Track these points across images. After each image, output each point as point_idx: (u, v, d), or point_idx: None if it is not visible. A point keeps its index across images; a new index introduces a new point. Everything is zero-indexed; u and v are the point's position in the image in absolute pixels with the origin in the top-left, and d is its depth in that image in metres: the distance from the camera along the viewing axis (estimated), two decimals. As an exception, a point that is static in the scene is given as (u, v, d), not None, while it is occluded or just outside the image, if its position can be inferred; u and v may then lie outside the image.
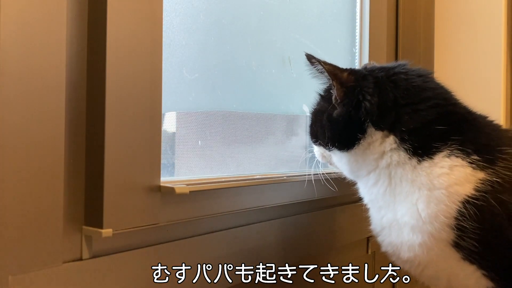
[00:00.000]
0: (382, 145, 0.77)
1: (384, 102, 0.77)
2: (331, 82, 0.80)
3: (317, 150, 0.88)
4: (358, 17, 1.27)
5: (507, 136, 0.78)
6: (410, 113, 0.76)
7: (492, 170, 0.70)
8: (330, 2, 1.22)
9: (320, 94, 0.86)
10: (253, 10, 0.97)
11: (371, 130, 0.77)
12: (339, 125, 0.80)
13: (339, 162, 0.84)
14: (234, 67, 0.93)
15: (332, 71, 0.79)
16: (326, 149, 0.83)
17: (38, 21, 0.55)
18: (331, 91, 0.81)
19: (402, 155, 0.75)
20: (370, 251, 1.24)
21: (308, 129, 0.89)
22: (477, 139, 0.74)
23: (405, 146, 0.75)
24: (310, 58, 0.81)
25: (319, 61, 0.79)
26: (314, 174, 0.91)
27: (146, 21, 0.67)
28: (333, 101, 0.80)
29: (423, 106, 0.76)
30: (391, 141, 0.76)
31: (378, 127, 0.77)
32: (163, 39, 0.69)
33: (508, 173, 0.70)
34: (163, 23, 0.70)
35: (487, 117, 0.80)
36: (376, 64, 0.87)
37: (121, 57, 0.63)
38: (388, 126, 0.76)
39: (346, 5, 1.26)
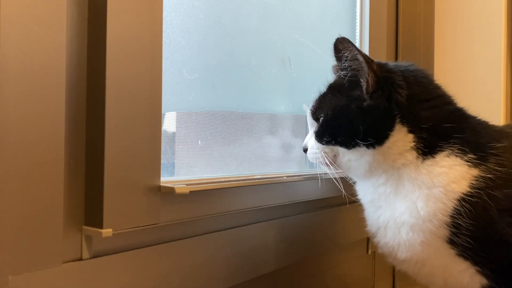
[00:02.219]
0: (403, 144, 0.75)
1: (411, 96, 0.75)
2: (357, 72, 0.76)
3: (321, 149, 0.80)
4: (358, 17, 1.27)
5: (495, 131, 0.78)
6: (429, 108, 0.75)
7: (485, 167, 0.71)
8: (330, 2, 1.22)
9: (338, 89, 0.80)
10: (253, 10, 0.97)
11: (398, 126, 0.75)
12: (371, 118, 0.75)
13: (356, 161, 0.78)
14: (234, 67, 0.93)
15: (367, 58, 0.76)
16: (345, 147, 0.77)
17: (38, 21, 0.55)
18: (361, 81, 0.76)
19: (414, 154, 0.74)
20: (370, 251, 1.24)
21: (316, 128, 0.82)
22: (473, 137, 0.75)
23: (419, 145, 0.74)
24: (343, 42, 0.76)
25: (355, 47, 0.75)
26: (320, 174, 0.87)
27: (146, 21, 0.67)
28: (364, 91, 0.76)
29: (438, 103, 0.76)
30: (410, 139, 0.75)
31: (406, 122, 0.75)
32: (163, 39, 0.69)
33: (499, 168, 0.71)
34: (163, 23, 0.69)
35: (476, 116, 0.80)
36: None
37: (121, 57, 0.63)
38: (411, 122, 0.74)
39: (346, 5, 1.26)
